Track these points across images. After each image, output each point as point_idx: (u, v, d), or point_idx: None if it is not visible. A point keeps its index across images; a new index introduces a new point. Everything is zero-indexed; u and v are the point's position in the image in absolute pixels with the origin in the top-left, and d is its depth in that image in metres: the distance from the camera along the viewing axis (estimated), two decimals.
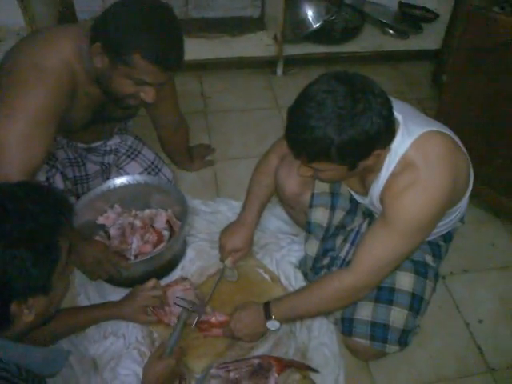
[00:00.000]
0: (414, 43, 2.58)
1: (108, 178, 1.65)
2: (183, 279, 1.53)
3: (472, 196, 1.30)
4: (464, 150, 1.22)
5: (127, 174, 1.67)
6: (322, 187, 1.44)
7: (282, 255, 1.64)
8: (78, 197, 1.60)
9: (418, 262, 1.36)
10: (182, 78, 2.08)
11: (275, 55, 2.42)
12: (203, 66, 2.43)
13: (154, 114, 1.68)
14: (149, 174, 1.71)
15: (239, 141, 2.13)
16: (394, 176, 1.14)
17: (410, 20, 2.64)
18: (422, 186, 1.10)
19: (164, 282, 1.52)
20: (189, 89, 2.34)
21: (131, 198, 1.63)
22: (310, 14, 2.39)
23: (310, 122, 1.00)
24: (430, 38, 2.58)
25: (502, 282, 1.69)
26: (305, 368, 1.36)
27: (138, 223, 1.61)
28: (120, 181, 1.60)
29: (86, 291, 1.53)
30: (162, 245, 1.56)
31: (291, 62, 2.48)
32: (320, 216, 1.45)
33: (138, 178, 1.62)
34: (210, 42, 2.43)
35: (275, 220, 1.76)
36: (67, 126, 1.37)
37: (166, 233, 1.61)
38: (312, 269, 1.50)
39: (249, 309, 1.36)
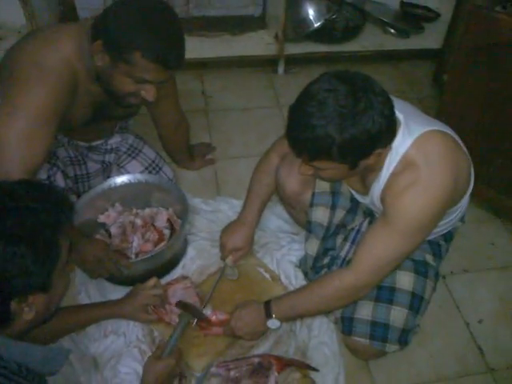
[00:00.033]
0: (415, 42, 2.58)
1: (109, 177, 1.65)
2: (184, 278, 1.54)
3: (472, 195, 1.30)
4: (465, 149, 1.22)
5: (128, 172, 1.66)
6: (323, 186, 1.44)
7: (283, 254, 1.64)
8: (78, 195, 1.60)
9: (419, 262, 1.36)
10: (183, 77, 2.08)
11: (276, 54, 2.42)
12: (204, 65, 2.43)
13: (154, 112, 1.68)
14: (149, 172, 1.71)
15: (240, 140, 2.13)
16: (394, 175, 1.14)
17: (412, 19, 2.63)
18: (422, 186, 1.10)
19: (165, 280, 1.52)
20: (190, 87, 2.34)
21: (132, 197, 1.63)
22: (311, 12, 2.39)
23: (311, 121, 1.00)
24: (431, 38, 2.57)
25: (502, 281, 1.69)
26: (305, 367, 1.37)
27: (138, 222, 1.61)
28: (121, 179, 1.60)
29: (86, 290, 1.53)
30: (162, 243, 1.56)
31: (292, 61, 2.48)
32: (320, 215, 1.45)
33: (139, 176, 1.62)
34: (211, 40, 2.42)
35: (276, 219, 1.76)
36: (68, 123, 1.37)
37: (166, 231, 1.61)
38: (312, 268, 1.50)
39: (249, 307, 1.36)
